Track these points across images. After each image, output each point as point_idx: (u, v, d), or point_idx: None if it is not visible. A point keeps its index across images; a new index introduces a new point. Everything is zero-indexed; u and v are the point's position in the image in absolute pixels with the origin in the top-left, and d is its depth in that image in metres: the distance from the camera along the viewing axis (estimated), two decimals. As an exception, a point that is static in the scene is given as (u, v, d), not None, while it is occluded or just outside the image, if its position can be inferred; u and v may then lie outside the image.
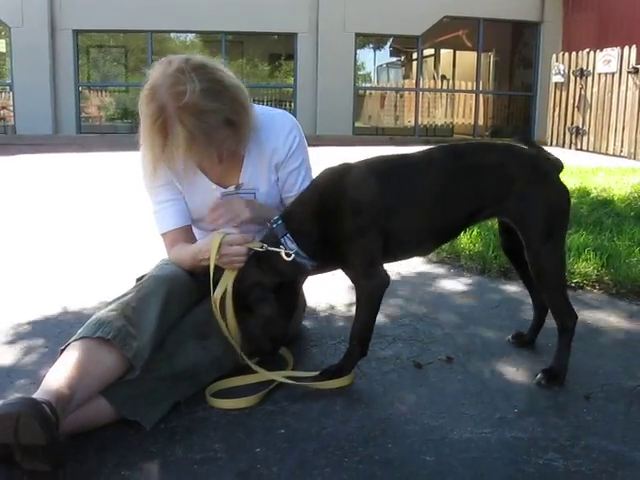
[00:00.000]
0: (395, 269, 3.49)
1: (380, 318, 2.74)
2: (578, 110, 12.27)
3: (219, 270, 2.07)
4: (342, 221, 2.02)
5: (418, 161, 2.14)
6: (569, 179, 6.54)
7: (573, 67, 12.37)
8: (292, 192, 2.31)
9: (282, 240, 2.03)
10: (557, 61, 12.98)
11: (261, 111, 2.24)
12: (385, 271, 2.08)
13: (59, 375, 1.73)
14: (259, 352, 2.15)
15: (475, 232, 3.90)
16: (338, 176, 2.10)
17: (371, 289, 2.07)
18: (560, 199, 2.15)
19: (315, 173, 2.21)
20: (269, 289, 2.02)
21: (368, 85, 18.34)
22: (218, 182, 2.29)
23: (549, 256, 2.10)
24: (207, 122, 1.96)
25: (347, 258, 2.06)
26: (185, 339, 2.04)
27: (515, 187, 2.08)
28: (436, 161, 2.14)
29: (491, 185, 2.10)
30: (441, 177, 2.10)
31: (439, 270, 3.59)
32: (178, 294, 2.11)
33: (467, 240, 3.82)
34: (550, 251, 2.10)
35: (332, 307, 2.90)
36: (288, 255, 2.01)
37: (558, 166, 2.19)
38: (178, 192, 2.30)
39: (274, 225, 2.07)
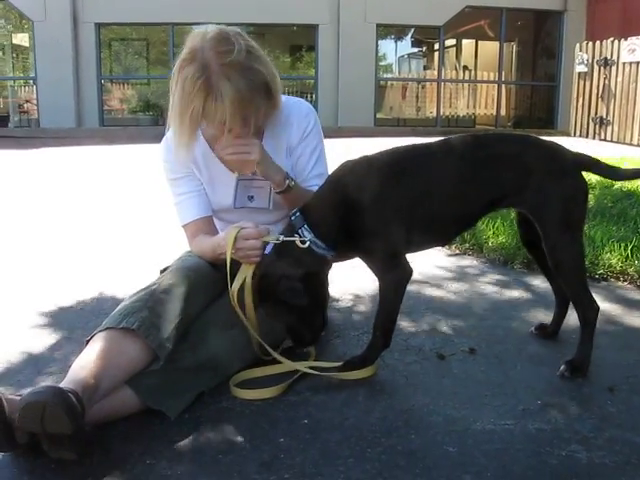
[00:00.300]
0: (418, 261, 3.48)
1: (403, 309, 2.73)
2: (602, 100, 12.13)
3: (237, 264, 2.08)
4: (363, 214, 2.01)
5: (437, 150, 2.13)
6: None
7: (597, 56, 12.22)
8: (300, 178, 2.30)
9: (299, 231, 2.04)
10: (581, 50, 12.83)
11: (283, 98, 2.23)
12: (408, 262, 2.09)
13: (85, 365, 1.75)
14: (300, 343, 2.18)
15: (498, 223, 3.89)
16: (358, 169, 2.10)
17: (395, 281, 2.08)
18: (577, 191, 2.12)
19: (335, 164, 2.20)
20: (295, 280, 2.03)
21: (389, 76, 18.26)
22: (235, 169, 2.25)
23: (567, 248, 2.08)
24: (252, 80, 1.96)
25: (369, 251, 2.07)
26: (208, 330, 2.06)
27: (533, 178, 2.06)
28: (455, 150, 2.12)
29: (509, 175, 2.09)
30: (460, 166, 2.08)
31: (463, 262, 3.59)
32: (201, 285, 2.13)
33: (490, 232, 3.81)
34: (568, 243, 2.08)
35: (355, 298, 2.91)
36: (303, 243, 2.01)
37: (582, 162, 2.16)
38: (199, 184, 2.31)
39: (292, 217, 2.07)
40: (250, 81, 1.96)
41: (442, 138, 2.19)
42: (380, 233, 2.02)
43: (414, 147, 2.16)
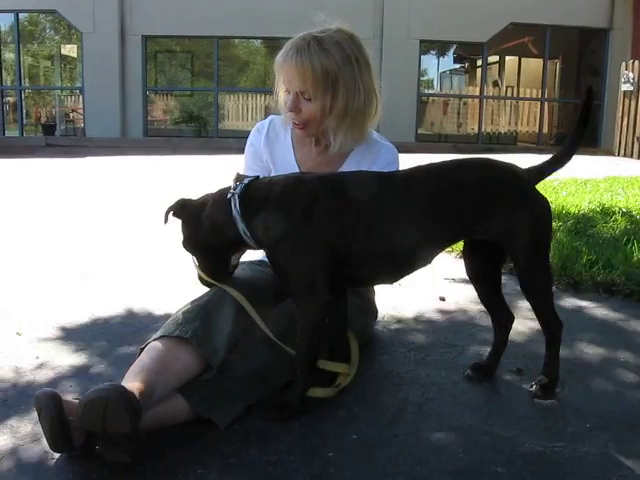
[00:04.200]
0: (463, 278, 3.47)
1: (450, 327, 2.75)
2: (647, 120, 12.00)
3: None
4: (280, 224, 1.94)
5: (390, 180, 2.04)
6: (637, 192, 6.40)
7: (643, 75, 12.11)
8: None
9: (234, 192, 2.00)
10: (626, 69, 12.71)
11: (376, 136, 2.52)
12: (325, 292, 1.95)
13: (139, 371, 1.80)
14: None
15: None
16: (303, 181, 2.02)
17: (312, 311, 1.97)
18: (542, 212, 2.04)
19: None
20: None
21: (431, 92, 18.26)
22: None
23: (538, 272, 2.06)
24: (324, 59, 2.29)
25: (283, 275, 1.99)
26: (258, 341, 2.08)
27: (498, 205, 1.97)
28: (410, 182, 2.02)
29: (472, 205, 1.98)
30: (413, 199, 1.98)
31: (508, 281, 3.55)
32: (253, 297, 2.15)
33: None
34: (539, 267, 2.05)
35: (399, 314, 2.90)
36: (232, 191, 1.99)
37: (536, 176, 2.07)
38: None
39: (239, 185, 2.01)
40: (323, 59, 2.28)
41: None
42: (296, 257, 1.93)
43: (365, 173, 2.11)
